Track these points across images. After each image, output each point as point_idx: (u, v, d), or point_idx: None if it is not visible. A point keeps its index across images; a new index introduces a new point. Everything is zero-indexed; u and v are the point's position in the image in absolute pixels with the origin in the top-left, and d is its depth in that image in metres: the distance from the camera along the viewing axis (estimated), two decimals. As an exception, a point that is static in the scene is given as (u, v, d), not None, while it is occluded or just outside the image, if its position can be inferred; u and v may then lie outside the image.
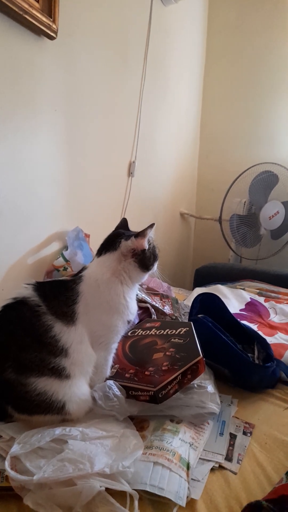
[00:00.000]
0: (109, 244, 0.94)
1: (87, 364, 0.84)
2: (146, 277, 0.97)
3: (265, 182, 2.24)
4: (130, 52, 1.76)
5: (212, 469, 0.77)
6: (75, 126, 1.45)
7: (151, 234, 0.94)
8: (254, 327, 1.37)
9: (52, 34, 1.22)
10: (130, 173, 1.91)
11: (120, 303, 0.89)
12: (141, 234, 0.91)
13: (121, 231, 0.97)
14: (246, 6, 2.53)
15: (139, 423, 0.85)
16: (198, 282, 2.03)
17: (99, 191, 1.69)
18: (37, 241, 1.33)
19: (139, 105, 1.89)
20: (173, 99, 2.31)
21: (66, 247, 1.38)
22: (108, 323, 0.88)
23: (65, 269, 1.29)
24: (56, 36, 1.24)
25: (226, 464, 0.79)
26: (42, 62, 1.25)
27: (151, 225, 0.93)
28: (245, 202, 2.34)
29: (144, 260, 0.93)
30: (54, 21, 1.21)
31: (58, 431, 0.74)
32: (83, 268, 0.94)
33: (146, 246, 0.92)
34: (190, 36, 2.46)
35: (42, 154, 1.31)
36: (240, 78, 2.64)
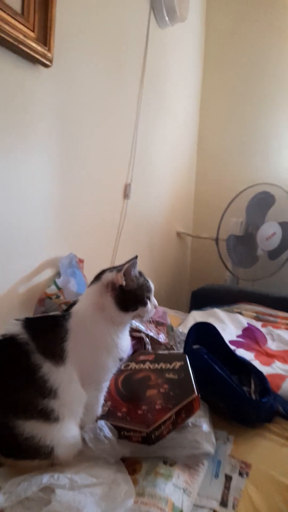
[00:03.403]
0: (97, 275, 0.90)
1: (77, 405, 0.81)
2: (128, 319, 0.88)
3: (262, 202, 2.24)
4: (126, 75, 1.78)
5: (207, 516, 0.74)
6: (69, 149, 1.45)
7: (135, 271, 0.86)
8: (251, 355, 1.35)
9: (47, 62, 1.22)
10: (126, 195, 1.89)
11: (107, 342, 0.84)
12: (119, 268, 0.85)
13: (120, 265, 0.90)
14: (243, 19, 2.57)
15: (131, 465, 0.82)
16: (194, 305, 2.01)
17: (94, 214, 1.66)
18: (28, 269, 1.30)
19: (135, 127, 1.89)
20: (170, 118, 2.32)
21: (59, 274, 1.35)
22: (97, 362, 0.84)
23: (57, 297, 1.27)
24: (51, 64, 1.24)
25: (221, 510, 0.76)
26: (36, 89, 1.25)
27: (132, 260, 0.84)
28: (242, 222, 2.33)
29: (120, 297, 0.84)
30: (49, 50, 1.21)
31: (45, 479, 0.71)
32: (75, 301, 0.91)
33: (123, 283, 0.83)
34: (186, 55, 2.48)
35: (34, 177, 1.29)
36: (238, 95, 2.66)
